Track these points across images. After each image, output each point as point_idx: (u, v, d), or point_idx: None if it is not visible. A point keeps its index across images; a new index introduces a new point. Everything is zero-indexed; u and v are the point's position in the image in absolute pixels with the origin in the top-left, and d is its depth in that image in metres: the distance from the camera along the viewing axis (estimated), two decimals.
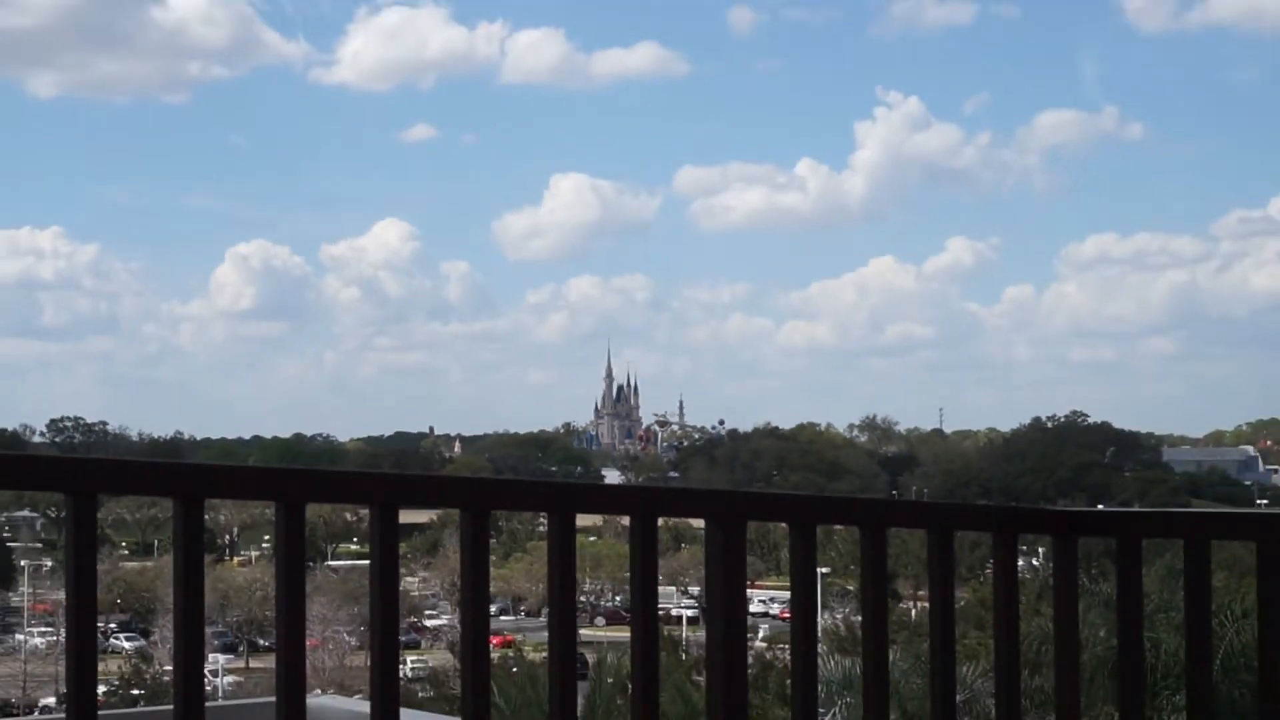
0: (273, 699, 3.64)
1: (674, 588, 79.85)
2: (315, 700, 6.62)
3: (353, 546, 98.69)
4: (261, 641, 76.44)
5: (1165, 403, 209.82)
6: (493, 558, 4.51)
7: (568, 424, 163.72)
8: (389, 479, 3.90)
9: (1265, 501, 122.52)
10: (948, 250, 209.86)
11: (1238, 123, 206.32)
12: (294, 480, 3.76)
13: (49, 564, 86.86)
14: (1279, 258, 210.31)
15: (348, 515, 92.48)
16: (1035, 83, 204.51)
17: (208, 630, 4.53)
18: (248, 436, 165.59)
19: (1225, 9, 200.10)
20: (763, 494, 7.61)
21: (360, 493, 3.98)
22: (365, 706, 3.79)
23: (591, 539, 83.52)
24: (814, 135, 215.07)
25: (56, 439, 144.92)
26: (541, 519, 4.11)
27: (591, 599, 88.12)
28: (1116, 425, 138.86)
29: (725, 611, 4.08)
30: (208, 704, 3.59)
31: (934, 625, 4.44)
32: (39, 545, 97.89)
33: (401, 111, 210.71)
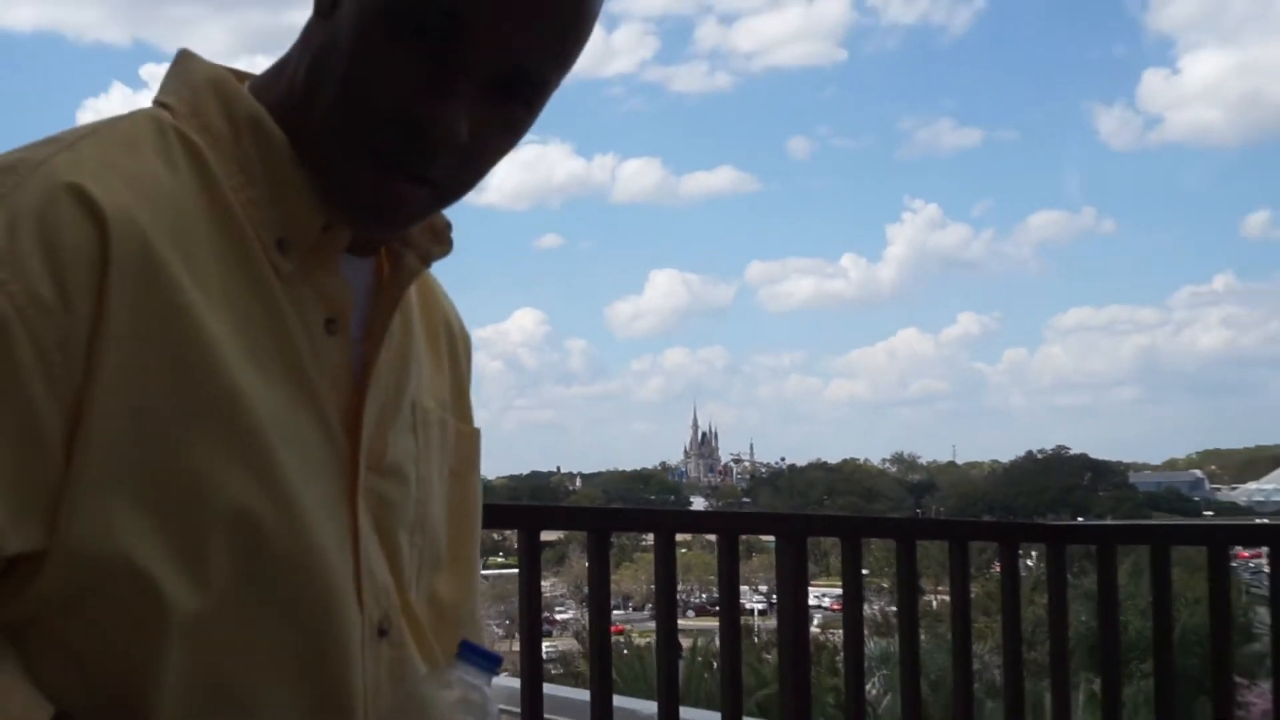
0: None
1: (747, 587, 79.26)
2: None
3: (498, 559, 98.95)
4: None
5: (1131, 438, 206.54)
6: None
7: (663, 462, 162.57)
8: (533, 509, 3.93)
9: (1211, 513, 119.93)
10: (959, 323, 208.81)
11: (1187, 217, 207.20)
12: None
13: None
14: (1220, 324, 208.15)
15: (495, 535, 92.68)
16: (1029, 190, 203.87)
17: None
18: None
19: (1180, 129, 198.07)
20: (819, 515, 7.57)
21: (511, 519, 4.01)
22: (512, 682, 3.80)
23: (682, 550, 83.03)
24: (854, 235, 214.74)
25: None
26: (645, 537, 4.13)
27: (683, 596, 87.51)
28: (1093, 456, 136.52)
29: (792, 606, 4.09)
30: None
31: (954, 616, 4.41)
32: None
33: (536, 224, 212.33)
